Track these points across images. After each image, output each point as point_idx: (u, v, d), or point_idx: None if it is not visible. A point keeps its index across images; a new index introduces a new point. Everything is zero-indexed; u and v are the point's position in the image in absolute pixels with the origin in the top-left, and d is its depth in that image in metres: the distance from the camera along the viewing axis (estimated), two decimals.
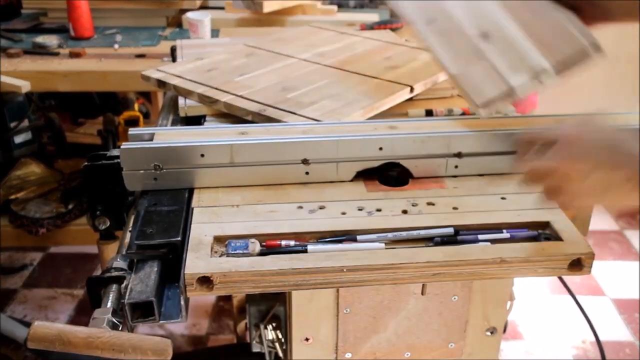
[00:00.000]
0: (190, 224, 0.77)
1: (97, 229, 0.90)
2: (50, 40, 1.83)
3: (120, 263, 0.74)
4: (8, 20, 2.11)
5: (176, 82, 1.09)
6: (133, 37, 1.96)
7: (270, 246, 0.74)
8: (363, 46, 1.31)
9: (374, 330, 0.90)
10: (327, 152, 0.85)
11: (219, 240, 0.75)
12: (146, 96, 2.42)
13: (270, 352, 1.05)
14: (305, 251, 0.73)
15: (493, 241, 0.76)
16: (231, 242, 0.74)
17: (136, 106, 2.23)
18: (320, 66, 1.18)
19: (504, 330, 0.98)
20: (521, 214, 0.80)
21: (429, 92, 1.14)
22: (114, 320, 0.68)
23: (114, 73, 1.67)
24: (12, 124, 1.80)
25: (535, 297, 2.24)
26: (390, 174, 0.88)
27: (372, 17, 2.05)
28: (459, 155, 0.88)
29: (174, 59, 1.43)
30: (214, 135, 0.89)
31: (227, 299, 2.13)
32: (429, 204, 0.82)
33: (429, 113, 1.02)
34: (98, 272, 0.77)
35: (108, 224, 0.89)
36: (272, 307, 1.03)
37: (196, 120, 1.07)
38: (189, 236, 0.75)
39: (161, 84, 1.12)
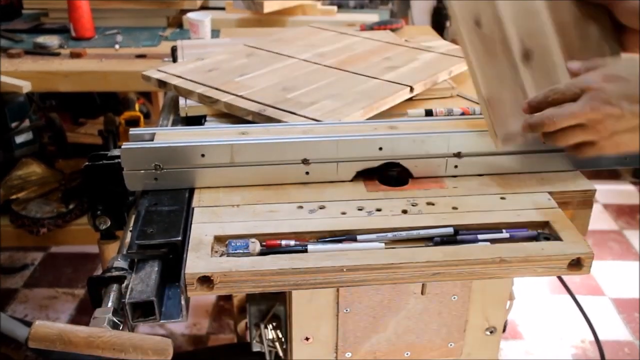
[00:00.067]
0: (191, 223, 0.78)
1: (97, 229, 0.90)
2: (51, 41, 1.84)
3: (120, 263, 0.75)
4: (9, 20, 2.12)
5: (177, 82, 1.10)
6: (134, 37, 1.96)
7: (270, 246, 0.75)
8: (363, 46, 1.31)
9: (374, 330, 0.90)
10: (327, 152, 0.85)
11: (219, 240, 0.75)
12: (147, 96, 2.42)
13: (270, 352, 1.05)
14: (305, 251, 0.73)
15: (492, 241, 0.76)
16: (231, 241, 0.74)
17: (137, 106, 2.23)
18: (320, 66, 1.18)
19: (504, 330, 0.98)
20: (521, 213, 0.80)
21: (428, 92, 1.15)
22: (114, 319, 0.68)
23: (114, 73, 1.67)
24: (13, 124, 1.81)
25: (534, 297, 2.24)
26: (390, 174, 0.88)
27: (372, 17, 2.05)
28: (458, 155, 0.88)
29: (174, 59, 1.43)
30: (214, 135, 0.89)
31: (228, 298, 2.13)
32: (428, 203, 0.82)
33: (429, 113, 1.02)
34: (99, 272, 0.78)
35: (109, 223, 0.89)
36: (273, 306, 1.03)
37: (197, 121, 1.07)
38: (189, 236, 0.75)
39: (162, 84, 1.12)
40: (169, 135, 0.90)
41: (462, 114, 1.03)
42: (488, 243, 0.75)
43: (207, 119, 1.05)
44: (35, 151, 1.96)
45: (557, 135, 0.77)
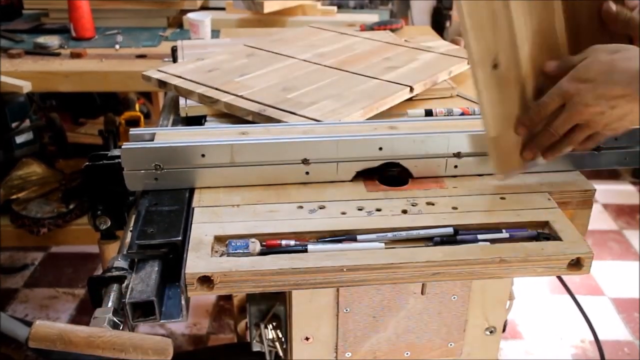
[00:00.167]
0: (191, 223, 0.78)
1: (98, 229, 0.90)
2: (52, 41, 1.84)
3: (121, 263, 0.75)
4: (9, 20, 2.12)
5: (177, 83, 1.10)
6: (134, 37, 1.96)
7: (270, 246, 0.75)
8: (363, 47, 1.31)
9: (374, 330, 0.91)
10: (327, 152, 0.85)
11: (219, 239, 0.75)
12: (147, 96, 2.42)
13: (270, 352, 1.05)
14: (305, 251, 0.73)
15: (492, 241, 0.76)
16: (231, 241, 0.74)
17: (137, 106, 2.23)
18: (320, 66, 1.18)
19: (504, 330, 0.98)
20: (520, 213, 0.80)
21: (428, 92, 1.15)
22: (115, 319, 0.68)
23: (115, 73, 1.67)
24: (14, 124, 1.81)
25: (534, 297, 2.24)
26: (390, 174, 0.88)
27: (371, 17, 2.05)
28: (458, 155, 0.88)
29: (174, 60, 1.43)
30: (214, 135, 0.89)
31: (228, 298, 2.13)
32: (428, 203, 0.83)
33: (429, 113, 1.03)
34: (99, 272, 0.78)
35: (109, 223, 0.89)
36: (273, 306, 1.03)
37: (197, 121, 1.07)
38: (189, 236, 0.75)
39: (162, 84, 1.12)
40: (169, 135, 0.90)
41: (462, 114, 1.04)
42: (488, 243, 0.76)
43: (207, 119, 1.06)
44: (36, 151, 1.96)
45: (561, 142, 0.80)
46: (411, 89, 1.08)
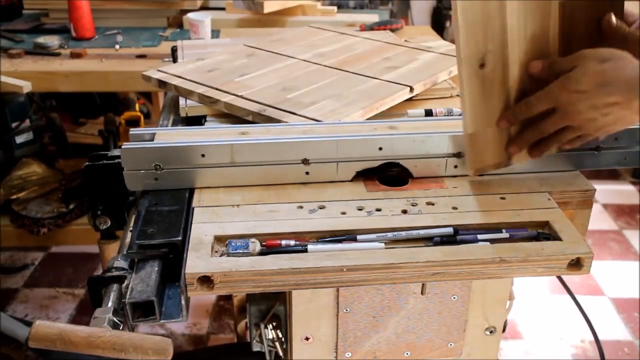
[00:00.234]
0: (191, 223, 0.78)
1: (98, 229, 0.90)
2: (52, 41, 1.84)
3: (121, 263, 0.75)
4: (9, 20, 2.12)
5: (177, 83, 1.10)
6: (134, 37, 1.96)
7: (270, 246, 0.75)
8: (363, 47, 1.31)
9: (374, 330, 0.91)
10: (327, 152, 0.85)
11: (219, 239, 0.75)
12: (147, 96, 2.42)
13: (270, 352, 1.05)
14: (305, 251, 0.73)
15: (492, 241, 0.76)
16: (231, 241, 0.74)
17: (137, 106, 2.23)
18: (320, 66, 1.18)
19: (504, 330, 0.98)
20: (520, 213, 0.80)
21: (428, 92, 1.15)
22: (114, 319, 0.68)
23: (115, 73, 1.68)
24: (14, 124, 1.81)
25: (534, 297, 2.24)
26: (390, 174, 0.88)
27: (371, 17, 2.06)
28: (458, 155, 0.88)
29: (174, 60, 1.43)
30: (214, 135, 0.89)
31: (228, 298, 2.13)
32: (428, 203, 0.83)
33: (429, 113, 1.03)
34: (99, 272, 0.78)
35: (109, 223, 0.89)
36: (273, 306, 1.03)
37: (197, 121, 1.07)
38: (189, 236, 0.75)
39: (162, 84, 1.12)
40: (169, 135, 0.90)
41: (462, 114, 1.03)
42: (488, 243, 0.76)
43: (207, 119, 1.06)
44: (36, 151, 1.96)
45: (549, 140, 0.81)
46: (411, 89, 1.08)
